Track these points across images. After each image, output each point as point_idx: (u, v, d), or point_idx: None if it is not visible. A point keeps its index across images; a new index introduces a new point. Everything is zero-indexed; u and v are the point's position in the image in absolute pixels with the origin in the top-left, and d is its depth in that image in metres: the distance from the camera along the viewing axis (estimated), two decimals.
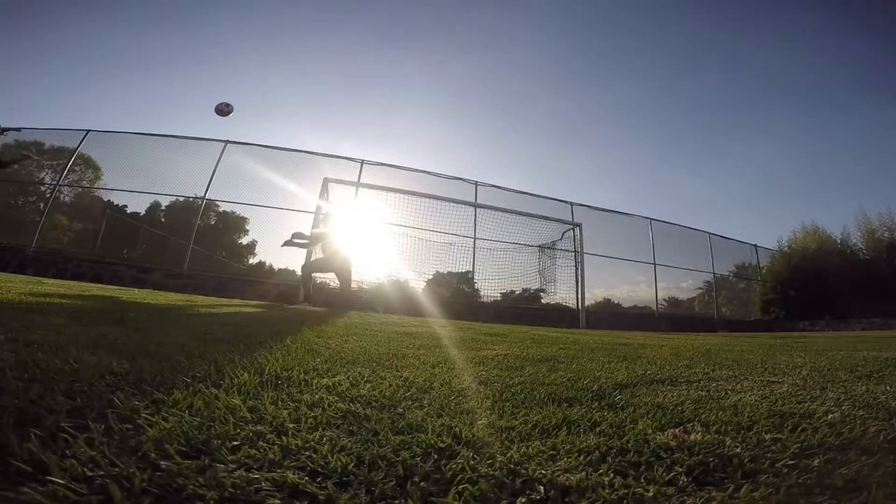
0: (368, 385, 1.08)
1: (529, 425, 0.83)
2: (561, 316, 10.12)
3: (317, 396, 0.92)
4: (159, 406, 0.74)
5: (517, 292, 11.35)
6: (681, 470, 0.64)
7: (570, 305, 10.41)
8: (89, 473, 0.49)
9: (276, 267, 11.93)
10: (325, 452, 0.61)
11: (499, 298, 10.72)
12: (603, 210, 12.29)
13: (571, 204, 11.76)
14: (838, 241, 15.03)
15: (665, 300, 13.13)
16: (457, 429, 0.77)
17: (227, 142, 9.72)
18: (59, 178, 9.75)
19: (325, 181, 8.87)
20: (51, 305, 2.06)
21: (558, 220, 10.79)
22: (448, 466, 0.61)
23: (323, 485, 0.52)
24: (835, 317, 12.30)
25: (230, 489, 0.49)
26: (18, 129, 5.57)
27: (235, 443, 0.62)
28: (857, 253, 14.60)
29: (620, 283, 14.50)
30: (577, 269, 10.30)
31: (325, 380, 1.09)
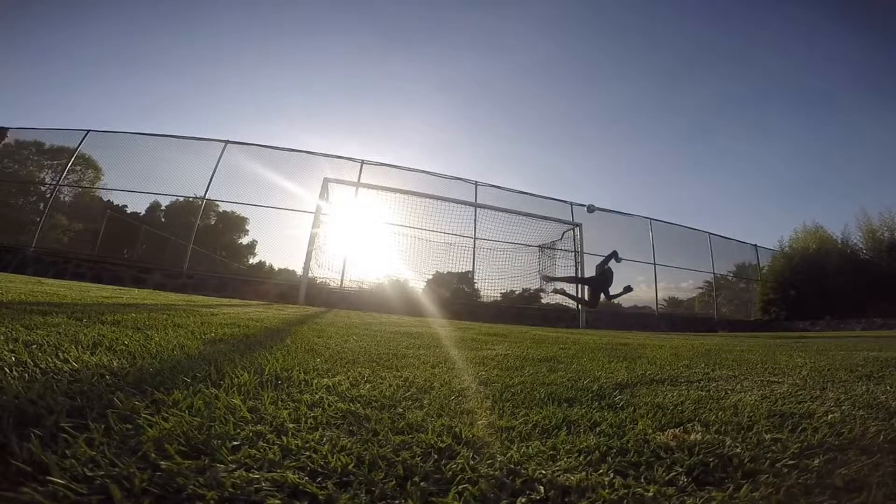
0: (368, 385, 1.08)
1: (529, 425, 0.83)
2: (561, 316, 10.13)
3: (317, 396, 0.92)
4: (159, 406, 0.74)
5: (517, 292, 11.35)
6: (681, 470, 0.64)
7: (570, 305, 10.41)
8: (89, 473, 0.49)
9: (276, 267, 11.94)
10: (325, 452, 0.61)
11: (499, 298, 10.72)
12: (603, 210, 12.28)
13: (571, 204, 11.76)
14: (839, 240, 15.01)
15: (665, 300, 13.13)
16: (457, 429, 0.77)
17: (227, 142, 9.73)
18: (59, 178, 9.76)
19: (325, 181, 8.89)
20: (51, 305, 2.06)
21: (558, 220, 10.78)
22: (448, 466, 0.61)
23: (323, 485, 0.52)
24: (835, 317, 12.28)
25: (230, 489, 0.49)
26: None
27: (235, 443, 0.62)
28: (857, 253, 14.57)
29: (620, 283, 14.45)
30: (577, 269, 10.28)
31: (325, 380, 1.09)
